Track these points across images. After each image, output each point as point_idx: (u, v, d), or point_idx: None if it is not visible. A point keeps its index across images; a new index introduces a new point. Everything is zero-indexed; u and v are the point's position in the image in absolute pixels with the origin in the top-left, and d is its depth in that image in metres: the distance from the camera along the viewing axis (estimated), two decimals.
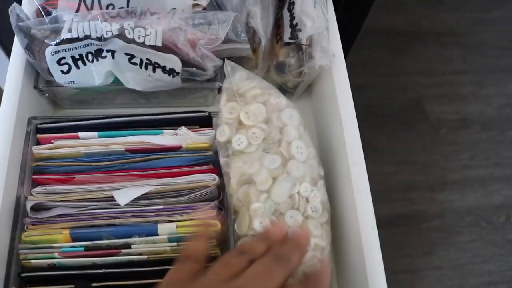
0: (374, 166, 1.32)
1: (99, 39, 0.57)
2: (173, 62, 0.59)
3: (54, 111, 0.70)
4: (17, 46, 0.61)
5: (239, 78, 0.59)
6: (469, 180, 1.33)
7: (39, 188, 0.56)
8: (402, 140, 1.37)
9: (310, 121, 0.74)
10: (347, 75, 0.64)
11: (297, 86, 0.71)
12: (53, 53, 0.57)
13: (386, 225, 1.25)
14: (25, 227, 0.54)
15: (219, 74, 0.65)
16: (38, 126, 0.59)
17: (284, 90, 0.74)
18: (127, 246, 0.53)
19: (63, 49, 0.57)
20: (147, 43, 0.58)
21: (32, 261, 0.53)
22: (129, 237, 0.54)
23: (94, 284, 0.51)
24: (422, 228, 1.27)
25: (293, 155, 0.56)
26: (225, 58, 0.59)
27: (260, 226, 0.53)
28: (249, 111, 0.57)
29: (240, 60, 0.73)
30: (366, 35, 1.52)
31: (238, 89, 0.58)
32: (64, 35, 0.57)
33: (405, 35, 1.54)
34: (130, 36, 0.57)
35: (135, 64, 0.60)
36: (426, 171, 1.34)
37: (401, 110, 1.42)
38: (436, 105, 1.44)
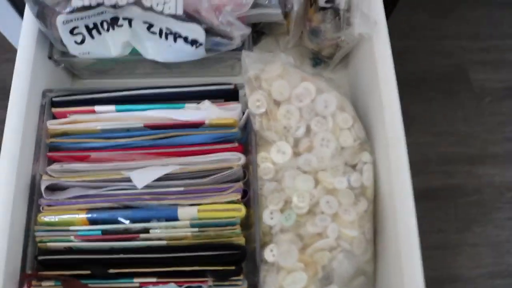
0: (411, 136, 1.24)
1: (113, 6, 0.52)
2: (196, 31, 0.54)
3: (72, 82, 0.66)
4: (29, 13, 0.56)
5: (258, 67, 0.54)
6: None
7: (54, 166, 0.53)
8: (441, 109, 1.28)
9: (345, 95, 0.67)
10: (390, 45, 0.58)
11: (333, 55, 0.65)
12: (64, 22, 0.53)
13: (420, 198, 1.18)
14: (41, 208, 0.51)
15: (247, 42, 0.60)
16: (53, 99, 0.56)
17: (319, 60, 0.68)
18: (146, 230, 0.50)
19: (75, 18, 0.53)
20: (166, 11, 0.52)
21: (48, 244, 0.51)
22: (148, 221, 0.50)
23: (111, 270, 0.49)
24: (458, 203, 1.20)
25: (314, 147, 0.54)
26: (243, 50, 0.55)
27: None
28: (272, 91, 0.53)
29: (270, 26, 0.67)
30: None
31: (261, 80, 0.54)
32: (76, 2, 0.52)
33: None
34: (147, 4, 0.52)
35: (155, 33, 0.55)
36: (466, 143, 1.26)
37: (442, 77, 1.32)
38: (480, 72, 1.33)
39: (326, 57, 0.66)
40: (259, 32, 0.68)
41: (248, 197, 0.53)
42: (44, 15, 0.53)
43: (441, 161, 1.22)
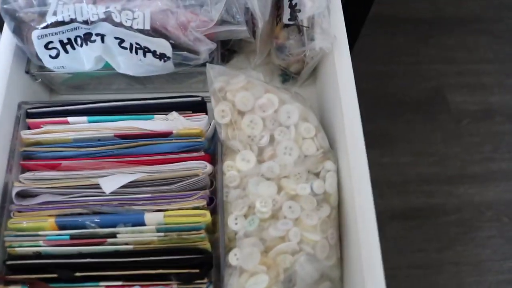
0: (390, 156, 1.27)
1: (86, 22, 0.55)
2: (163, 46, 0.57)
3: (50, 97, 0.68)
4: (6, 29, 0.59)
5: (223, 80, 0.57)
6: (490, 174, 1.26)
7: (27, 174, 0.55)
8: (420, 130, 1.32)
9: (314, 110, 0.70)
10: (350, 58, 0.61)
11: (300, 71, 0.68)
12: (39, 37, 0.56)
13: (401, 218, 1.21)
14: (11, 214, 0.53)
15: (216, 58, 0.63)
16: (28, 110, 0.58)
17: (287, 76, 0.71)
18: (113, 235, 0.52)
19: (50, 33, 0.56)
20: (134, 26, 0.55)
21: (17, 249, 0.52)
22: (115, 226, 0.52)
23: (78, 274, 0.50)
24: (439, 222, 1.22)
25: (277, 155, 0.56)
26: (207, 63, 0.58)
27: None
28: (236, 102, 0.56)
29: (240, 45, 0.70)
30: (389, 22, 1.47)
31: (225, 91, 0.56)
32: (50, 18, 0.55)
33: (429, 23, 1.47)
34: (117, 20, 0.55)
35: (125, 48, 0.58)
36: (445, 163, 1.28)
37: (421, 100, 1.36)
38: (458, 95, 1.37)
39: (294, 73, 0.69)
40: (231, 50, 0.71)
41: (215, 204, 0.55)
42: (20, 31, 0.56)
43: (421, 181, 1.25)
